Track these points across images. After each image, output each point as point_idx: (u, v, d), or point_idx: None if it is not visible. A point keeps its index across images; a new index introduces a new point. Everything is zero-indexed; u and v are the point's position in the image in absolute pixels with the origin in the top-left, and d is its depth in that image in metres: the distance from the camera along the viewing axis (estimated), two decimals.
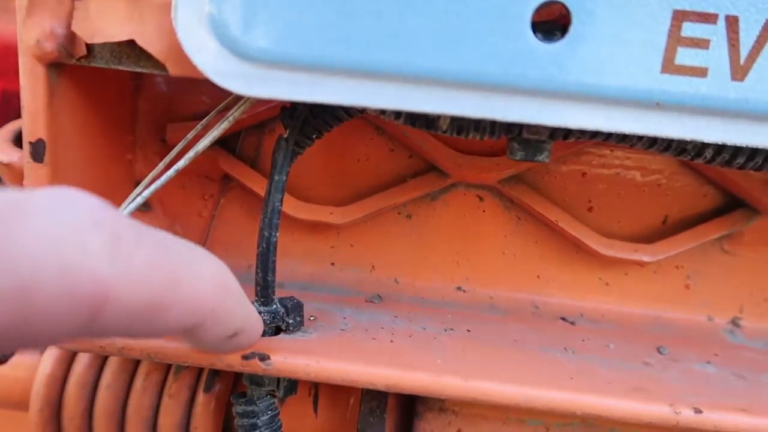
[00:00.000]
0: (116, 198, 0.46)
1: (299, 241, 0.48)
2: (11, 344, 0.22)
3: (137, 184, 0.49)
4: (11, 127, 0.44)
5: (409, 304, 0.47)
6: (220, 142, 0.48)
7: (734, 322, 0.48)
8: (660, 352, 0.43)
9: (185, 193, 0.49)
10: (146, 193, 0.39)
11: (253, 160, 0.48)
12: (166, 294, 0.26)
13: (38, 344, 0.23)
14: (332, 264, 0.49)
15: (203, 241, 0.49)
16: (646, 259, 0.46)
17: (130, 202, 0.39)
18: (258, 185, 0.47)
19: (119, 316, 0.24)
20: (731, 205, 0.47)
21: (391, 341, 0.39)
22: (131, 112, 0.46)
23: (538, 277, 0.49)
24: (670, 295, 0.48)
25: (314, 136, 0.39)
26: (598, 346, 0.43)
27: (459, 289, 0.49)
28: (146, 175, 0.48)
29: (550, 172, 0.47)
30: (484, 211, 0.48)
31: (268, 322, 0.38)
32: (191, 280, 0.27)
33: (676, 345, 0.45)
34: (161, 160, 0.48)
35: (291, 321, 0.39)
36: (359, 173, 0.48)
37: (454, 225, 0.48)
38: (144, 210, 0.49)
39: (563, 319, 0.48)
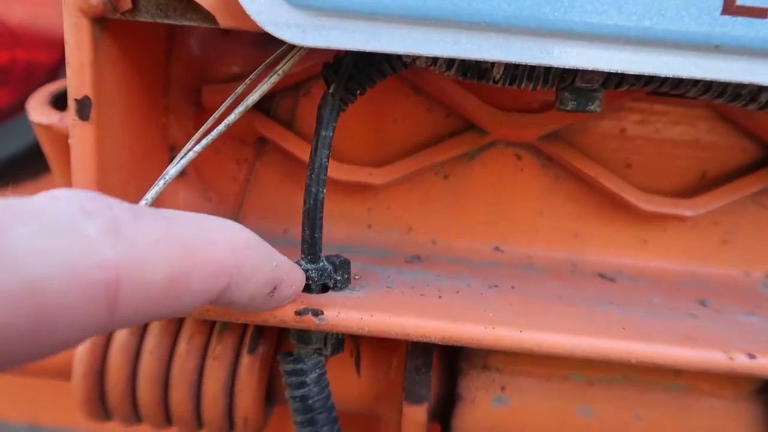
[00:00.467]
0: (152, 163, 0.46)
1: (336, 203, 0.48)
2: (38, 350, 0.21)
3: (171, 149, 0.48)
4: (48, 89, 0.43)
5: (447, 264, 0.47)
6: (255, 105, 0.47)
7: None
8: (703, 305, 0.43)
9: (219, 157, 0.49)
10: (190, 155, 0.38)
11: (288, 123, 0.48)
12: (181, 265, 0.25)
13: (65, 344, 0.22)
14: (369, 226, 0.49)
15: (238, 206, 0.49)
16: (686, 213, 0.46)
17: (171, 168, 0.39)
18: (295, 146, 0.47)
19: (139, 299, 0.23)
20: None
21: (440, 297, 0.39)
22: (164, 75, 0.45)
23: (576, 235, 0.49)
24: (708, 251, 0.48)
25: (358, 91, 0.39)
26: (642, 301, 0.43)
27: (497, 249, 0.49)
28: (179, 140, 0.48)
29: (589, 129, 0.47)
30: (522, 170, 0.48)
31: (316, 279, 0.38)
32: (204, 245, 0.27)
33: (717, 299, 0.45)
34: (194, 124, 0.47)
35: (339, 278, 0.38)
36: (396, 133, 0.47)
37: (492, 184, 0.48)
38: (177, 177, 0.49)
39: (602, 276, 0.48)
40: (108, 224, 0.23)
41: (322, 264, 0.38)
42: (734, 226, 0.48)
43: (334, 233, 0.49)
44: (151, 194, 0.36)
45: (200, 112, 0.48)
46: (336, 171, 0.46)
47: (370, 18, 0.32)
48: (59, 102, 0.42)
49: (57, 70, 0.58)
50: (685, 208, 0.46)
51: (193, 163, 0.49)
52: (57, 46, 0.57)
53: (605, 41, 0.32)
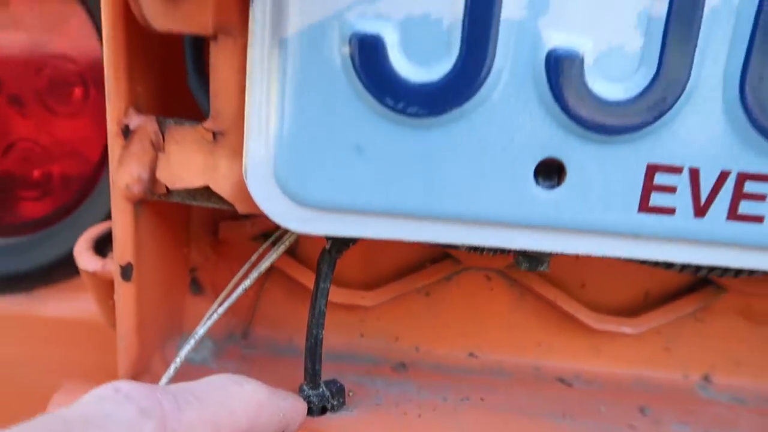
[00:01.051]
0: (175, 286, 0.53)
1: (333, 316, 0.56)
2: None
3: (192, 270, 0.56)
4: (91, 233, 0.51)
5: (429, 371, 0.55)
6: (265, 236, 0.55)
7: (706, 378, 0.56)
8: (643, 413, 0.51)
9: (234, 276, 0.56)
10: (199, 333, 0.45)
11: (292, 251, 0.55)
12: None
13: None
14: (361, 335, 0.57)
15: (250, 318, 0.57)
16: (630, 331, 0.53)
17: (185, 348, 0.45)
18: (297, 273, 0.55)
19: None
20: (703, 282, 0.55)
21: (419, 415, 0.47)
22: (187, 215, 0.53)
23: (539, 344, 0.56)
24: (652, 358, 0.56)
25: (351, 244, 0.46)
26: (591, 410, 0.51)
27: (471, 355, 0.57)
28: (199, 263, 0.56)
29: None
30: (491, 289, 0.56)
31: (317, 403, 0.46)
32: (228, 418, 0.34)
33: (658, 403, 0.53)
34: (212, 249, 0.55)
35: (335, 402, 0.46)
36: (385, 260, 0.55)
37: (467, 300, 0.56)
38: (196, 293, 0.57)
39: (561, 380, 0.55)
40: (159, 423, 0.30)
41: (321, 390, 0.46)
42: (674, 336, 0.56)
43: (331, 340, 0.56)
44: (169, 373, 0.43)
45: (217, 240, 0.56)
46: (333, 295, 0.54)
47: (359, 213, 0.39)
48: (101, 245, 0.50)
49: (90, 179, 0.66)
50: (630, 327, 0.54)
51: (211, 281, 0.57)
52: (88, 160, 0.65)
53: (547, 231, 0.40)
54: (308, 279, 0.54)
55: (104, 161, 0.64)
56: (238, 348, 0.56)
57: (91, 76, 0.61)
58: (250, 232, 0.54)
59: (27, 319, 0.66)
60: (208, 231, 0.55)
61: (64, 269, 0.66)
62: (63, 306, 0.67)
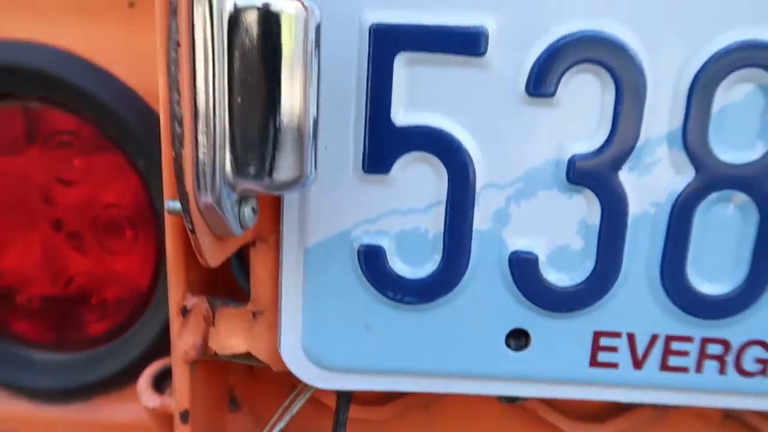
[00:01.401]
0: (218, 409, 0.64)
1: (351, 424, 0.66)
2: None
3: (230, 390, 0.67)
4: (151, 370, 0.62)
5: None
6: None
7: None
8: None
9: (266, 398, 0.67)
10: None
11: None
12: None
13: None
14: None
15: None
16: None
17: None
18: (319, 393, 0.65)
19: None
20: None
21: None
22: None
23: None
24: None
25: None
26: None
27: None
28: (237, 383, 0.66)
29: None
30: (482, 402, 0.66)
31: None
32: None
33: None
34: (248, 374, 0.66)
35: None
36: None
37: (460, 412, 0.66)
38: (234, 410, 0.67)
39: None
40: None
41: None
42: None
43: None
44: None
45: (251, 365, 0.66)
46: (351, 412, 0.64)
47: (365, 373, 0.50)
48: (159, 380, 0.61)
49: (141, 304, 0.77)
50: (600, 431, 0.63)
51: (247, 399, 0.68)
52: (138, 289, 0.76)
53: (518, 381, 0.50)
54: (328, 398, 0.65)
55: (152, 290, 0.75)
56: None
57: (141, 221, 0.72)
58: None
59: (86, 425, 0.77)
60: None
61: (119, 381, 0.77)
62: (117, 413, 0.77)
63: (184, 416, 0.54)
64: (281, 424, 0.54)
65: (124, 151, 0.72)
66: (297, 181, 0.39)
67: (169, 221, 0.48)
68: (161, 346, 0.71)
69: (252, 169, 0.38)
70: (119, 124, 0.69)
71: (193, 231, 0.38)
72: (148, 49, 0.68)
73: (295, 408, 0.55)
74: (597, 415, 0.65)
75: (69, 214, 0.75)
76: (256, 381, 0.67)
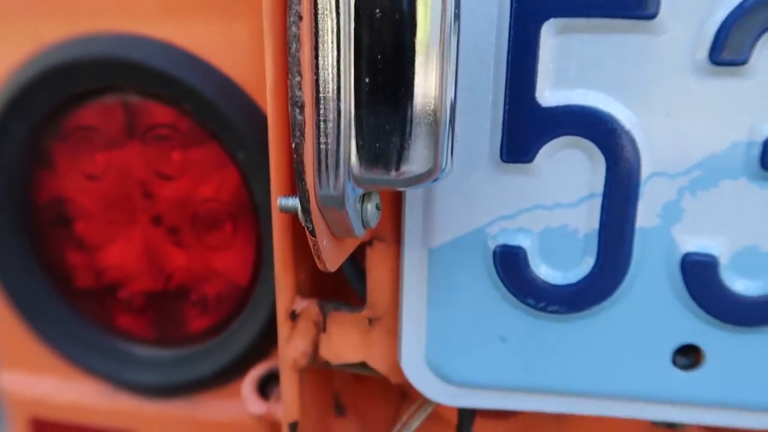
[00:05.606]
0: (325, 415, 0.59)
1: None
2: None
3: (335, 395, 0.62)
4: (253, 376, 0.58)
5: None
6: None
7: None
8: None
9: (373, 402, 0.62)
10: None
11: None
12: None
13: None
14: None
15: None
16: None
17: None
18: (441, 407, 0.59)
19: None
20: None
21: None
22: None
23: None
24: None
25: None
26: None
27: None
28: (342, 389, 0.62)
29: None
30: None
31: None
32: None
33: None
34: (353, 378, 0.61)
35: None
36: None
37: (597, 424, 0.58)
38: (339, 415, 0.63)
39: None
40: None
41: None
42: None
43: None
44: None
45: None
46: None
47: (499, 390, 0.43)
48: (265, 385, 0.58)
49: (240, 300, 0.74)
50: None
51: (353, 404, 0.63)
52: (237, 284, 0.74)
53: (685, 406, 0.42)
54: (441, 408, 0.59)
55: (253, 285, 0.72)
56: None
57: (240, 215, 0.69)
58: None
59: (188, 421, 0.76)
60: None
61: (220, 379, 0.74)
62: (219, 410, 0.75)
63: (293, 427, 0.49)
64: None
65: (222, 144, 0.69)
66: (430, 175, 0.33)
67: (277, 218, 0.43)
68: (263, 344, 0.68)
69: (380, 161, 0.32)
70: (218, 117, 0.66)
71: (312, 232, 0.33)
72: (249, 39, 0.63)
73: (414, 424, 0.49)
74: None
75: (168, 208, 0.73)
76: (363, 386, 0.62)
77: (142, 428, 0.77)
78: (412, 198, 0.41)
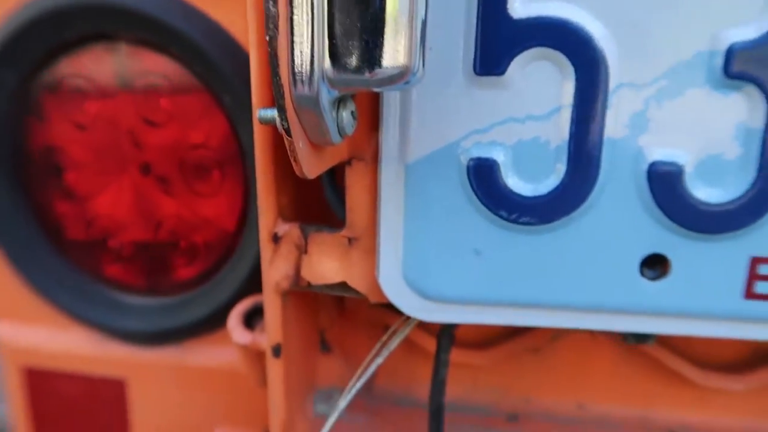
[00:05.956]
0: (309, 349, 0.61)
1: (450, 373, 0.61)
2: None
3: (321, 331, 0.64)
4: (239, 310, 0.60)
5: (539, 421, 0.60)
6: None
7: None
8: None
9: (358, 340, 0.63)
10: (341, 406, 0.52)
11: None
12: None
13: None
14: (475, 387, 0.62)
15: (373, 374, 0.64)
16: (738, 388, 0.55)
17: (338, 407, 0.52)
18: (413, 334, 0.61)
19: None
20: None
21: None
22: None
23: (646, 395, 0.59)
24: (762, 409, 0.57)
25: None
26: None
27: (579, 406, 0.60)
28: (328, 325, 0.63)
29: None
30: (597, 346, 0.59)
31: None
32: None
33: None
34: (339, 314, 0.62)
35: None
36: None
37: (573, 356, 0.60)
38: (325, 351, 0.64)
39: (669, 431, 0.58)
40: None
41: None
42: None
43: (448, 393, 0.62)
44: None
45: (342, 306, 0.63)
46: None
47: (475, 304, 0.45)
48: (249, 318, 0.59)
49: (228, 247, 0.75)
50: (739, 383, 0.55)
51: (338, 341, 0.64)
52: (226, 231, 0.75)
53: (652, 316, 0.43)
54: (423, 339, 0.60)
55: (240, 232, 0.73)
56: (364, 401, 0.63)
57: (228, 161, 0.70)
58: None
59: (178, 368, 0.77)
60: (334, 298, 0.63)
61: (209, 325, 0.76)
62: (209, 356, 0.77)
63: (277, 350, 0.51)
64: (379, 360, 0.50)
65: (210, 90, 0.70)
66: (402, 75, 0.34)
67: (259, 138, 0.44)
68: (250, 289, 0.69)
69: (353, 60, 0.33)
70: (205, 60, 0.67)
71: (288, 131, 0.34)
72: None
73: (393, 344, 0.50)
74: (734, 364, 0.57)
75: (157, 156, 0.74)
76: (348, 322, 0.63)
77: (133, 375, 0.79)
78: (389, 112, 0.42)
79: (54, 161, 0.76)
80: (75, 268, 0.79)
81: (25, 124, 0.76)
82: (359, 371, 0.52)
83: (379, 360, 0.50)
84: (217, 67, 0.66)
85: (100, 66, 0.72)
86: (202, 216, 0.75)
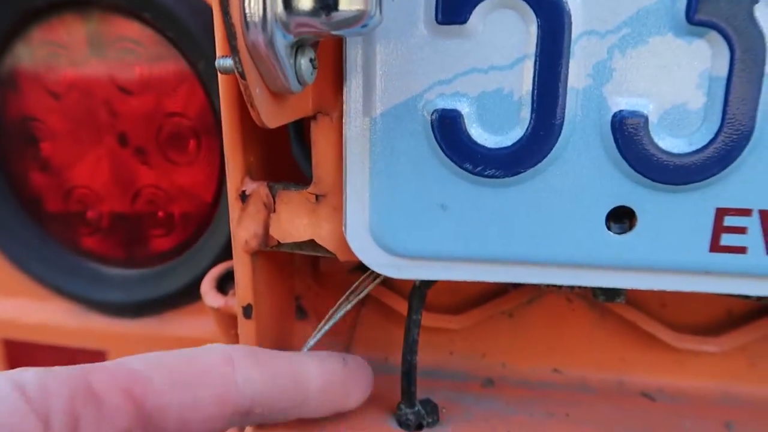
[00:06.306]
0: (284, 314, 0.61)
1: (424, 338, 0.61)
2: None
3: (297, 298, 0.64)
4: (213, 275, 0.59)
5: (515, 386, 0.59)
6: (359, 268, 0.61)
7: None
8: (729, 429, 0.53)
9: (333, 305, 0.63)
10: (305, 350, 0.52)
11: (386, 280, 0.61)
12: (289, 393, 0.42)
13: None
14: (450, 353, 0.62)
15: (349, 340, 0.63)
16: (713, 350, 0.55)
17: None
18: (390, 300, 0.60)
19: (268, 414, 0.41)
20: None
21: (508, 431, 0.52)
22: (292, 253, 0.60)
23: (622, 359, 0.59)
24: (737, 373, 0.57)
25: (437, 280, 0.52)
26: (675, 425, 0.53)
27: (555, 371, 0.60)
28: (303, 292, 0.63)
29: None
30: (573, 310, 0.59)
31: (413, 420, 0.51)
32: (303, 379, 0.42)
33: (743, 417, 0.54)
34: (314, 281, 0.62)
35: (431, 420, 0.52)
36: (470, 286, 0.60)
37: (549, 320, 0.60)
38: (301, 318, 0.64)
39: (644, 394, 0.58)
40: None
41: (417, 408, 0.52)
42: (760, 352, 0.57)
43: (422, 359, 0.62)
44: None
45: (318, 272, 0.63)
46: (423, 320, 0.59)
47: (444, 260, 0.45)
48: (222, 283, 0.59)
49: (206, 217, 0.75)
50: (713, 345, 0.55)
51: (314, 307, 0.64)
52: (203, 201, 0.74)
53: (619, 270, 0.43)
54: (399, 305, 0.60)
55: (217, 202, 0.73)
56: None
57: (203, 130, 0.69)
58: (347, 264, 0.60)
59: (158, 339, 0.77)
60: (309, 264, 0.62)
61: (188, 295, 0.76)
62: (188, 327, 0.76)
63: (248, 310, 0.50)
64: (348, 306, 0.50)
65: (185, 57, 0.69)
66: (359, 18, 0.33)
67: (225, 95, 0.44)
68: (227, 259, 0.69)
69: (308, 2, 0.33)
70: (178, 25, 0.66)
71: (242, 75, 0.33)
72: None
73: (362, 294, 0.50)
74: (708, 327, 0.57)
75: (133, 125, 0.73)
76: (323, 289, 0.63)
77: (112, 346, 0.79)
78: (352, 66, 0.41)
79: (30, 132, 0.76)
80: (53, 240, 0.79)
81: None
82: (324, 321, 0.52)
83: (348, 307, 0.51)
84: (190, 32, 0.66)
85: (73, 34, 0.71)
86: (179, 186, 0.74)
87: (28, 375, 0.31)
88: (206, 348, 0.42)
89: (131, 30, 0.69)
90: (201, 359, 0.40)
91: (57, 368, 0.33)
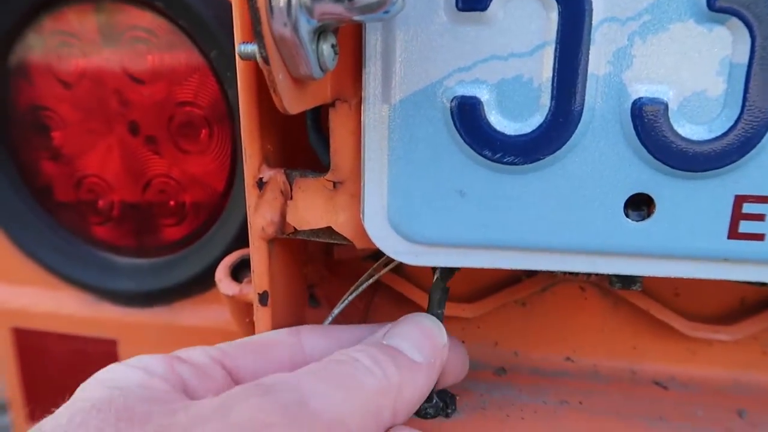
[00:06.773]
0: (298, 302, 0.61)
1: None
2: None
3: (310, 286, 0.64)
4: (227, 263, 0.60)
5: (528, 374, 0.60)
6: (372, 257, 0.61)
7: None
8: (741, 416, 0.53)
9: (346, 291, 0.63)
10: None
11: (397, 267, 0.61)
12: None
13: None
14: (463, 341, 0.62)
15: None
16: (726, 338, 0.55)
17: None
18: (402, 287, 0.61)
19: None
20: None
21: (522, 418, 0.52)
22: (306, 240, 0.61)
23: (634, 348, 0.60)
24: (749, 361, 0.58)
25: (456, 271, 0.52)
26: (688, 413, 0.53)
27: (568, 359, 0.61)
28: (316, 280, 0.63)
29: None
30: (586, 299, 0.59)
31: (432, 413, 0.52)
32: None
33: (755, 405, 0.55)
34: (327, 269, 0.62)
35: (449, 411, 0.52)
36: (484, 274, 0.60)
37: (562, 309, 0.60)
38: (314, 306, 0.64)
39: (657, 383, 0.58)
40: None
41: (435, 401, 0.52)
42: None
43: None
44: None
45: (331, 260, 0.63)
46: None
47: (462, 247, 0.45)
48: (236, 271, 0.59)
49: (217, 206, 0.75)
50: (726, 334, 0.56)
51: (326, 295, 0.64)
52: (215, 190, 0.74)
53: (637, 257, 0.43)
54: (411, 292, 0.61)
55: (228, 191, 0.73)
56: None
57: (215, 119, 0.69)
58: (360, 252, 0.60)
59: (169, 328, 0.77)
60: (323, 252, 0.63)
61: (199, 285, 0.76)
62: (199, 316, 0.77)
63: (264, 298, 0.51)
64: (359, 290, 0.50)
65: (197, 46, 0.69)
66: (382, 4, 0.33)
67: (243, 82, 0.44)
68: (239, 248, 0.69)
69: None
70: (190, 13, 0.66)
71: (266, 60, 0.33)
72: None
73: (373, 279, 0.50)
74: (721, 315, 0.57)
75: (144, 114, 0.73)
76: (337, 278, 0.63)
77: (123, 335, 0.79)
78: (371, 53, 0.41)
79: (41, 121, 0.76)
80: (64, 229, 0.79)
81: (10, 83, 0.75)
82: (336, 308, 0.52)
83: (357, 291, 0.51)
84: (202, 21, 0.66)
85: (84, 23, 0.71)
86: (191, 175, 0.74)
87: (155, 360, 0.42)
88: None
89: (143, 19, 0.69)
90: (271, 334, 0.48)
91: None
